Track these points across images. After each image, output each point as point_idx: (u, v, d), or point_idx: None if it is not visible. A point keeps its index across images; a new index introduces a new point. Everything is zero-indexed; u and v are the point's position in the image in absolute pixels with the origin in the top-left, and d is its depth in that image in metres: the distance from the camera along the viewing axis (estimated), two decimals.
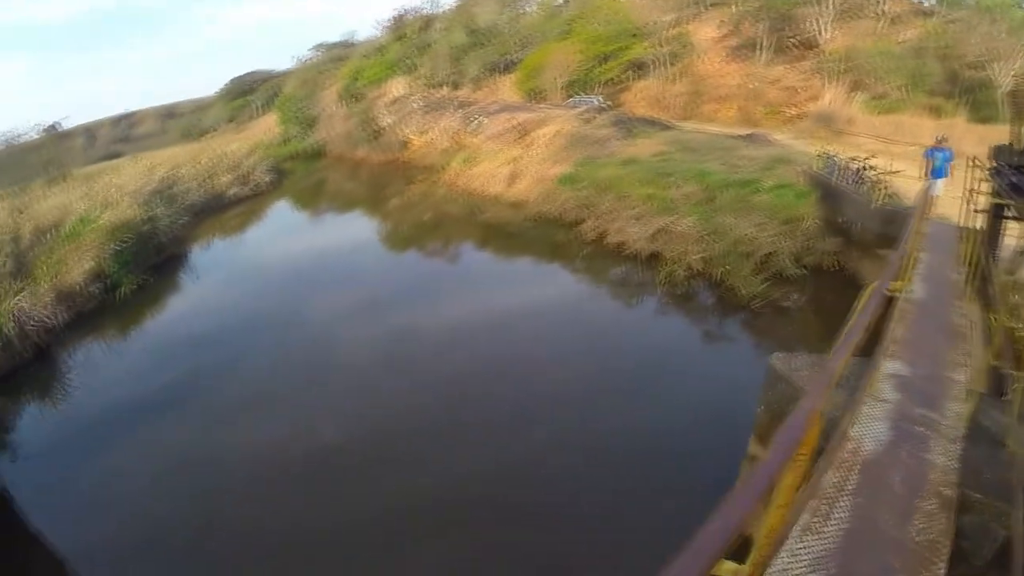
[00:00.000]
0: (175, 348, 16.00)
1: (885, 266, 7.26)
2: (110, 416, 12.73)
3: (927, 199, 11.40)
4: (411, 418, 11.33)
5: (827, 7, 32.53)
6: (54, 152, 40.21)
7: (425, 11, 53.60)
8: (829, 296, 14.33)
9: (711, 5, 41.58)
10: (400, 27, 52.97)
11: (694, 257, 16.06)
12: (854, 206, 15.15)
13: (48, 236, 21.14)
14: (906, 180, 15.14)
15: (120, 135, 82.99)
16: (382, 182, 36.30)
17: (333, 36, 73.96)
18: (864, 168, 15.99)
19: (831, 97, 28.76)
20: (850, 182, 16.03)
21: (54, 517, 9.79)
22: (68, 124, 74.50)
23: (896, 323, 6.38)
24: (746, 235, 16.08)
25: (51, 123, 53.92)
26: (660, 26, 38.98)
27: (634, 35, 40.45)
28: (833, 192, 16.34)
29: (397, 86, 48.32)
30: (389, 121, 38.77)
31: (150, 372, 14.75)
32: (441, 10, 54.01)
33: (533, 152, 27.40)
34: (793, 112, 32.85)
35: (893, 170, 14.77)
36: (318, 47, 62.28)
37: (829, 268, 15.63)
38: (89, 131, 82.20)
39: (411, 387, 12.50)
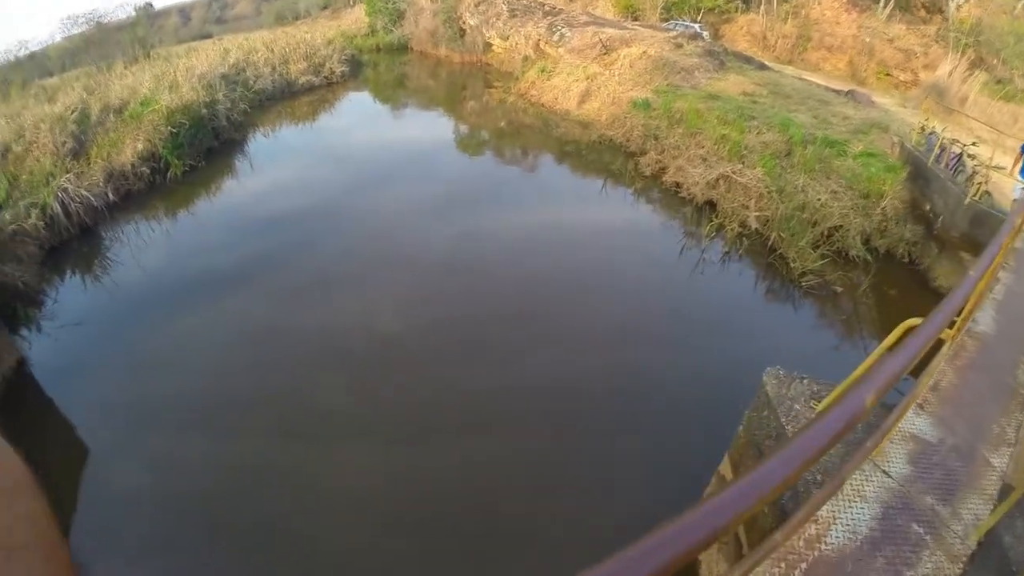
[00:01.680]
0: (220, 230, 15.74)
1: (954, 288, 5.47)
2: (144, 291, 12.66)
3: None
4: (465, 316, 11.37)
5: None
6: (144, 31, 39.90)
7: None
8: (891, 290, 12.58)
9: None
10: None
11: (752, 214, 14.21)
12: (944, 195, 13.15)
13: (111, 117, 20.73)
14: (1010, 179, 13.13)
15: (214, 16, 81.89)
16: (460, 83, 34.62)
17: None
18: (964, 155, 13.84)
19: (949, 70, 25.50)
20: (946, 167, 14.05)
21: (74, 386, 9.68)
22: (162, 3, 74.01)
23: (942, 363, 4.75)
24: (816, 200, 14.31)
25: (144, 2, 53.66)
26: None
27: None
28: (925, 174, 14.27)
29: None
30: (473, 22, 36.55)
31: (191, 252, 14.55)
32: None
33: (614, 71, 25.22)
34: (905, 77, 29.64)
35: (996, 165, 12.71)
36: None
37: (900, 258, 13.66)
38: (183, 11, 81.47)
39: (466, 288, 12.32)
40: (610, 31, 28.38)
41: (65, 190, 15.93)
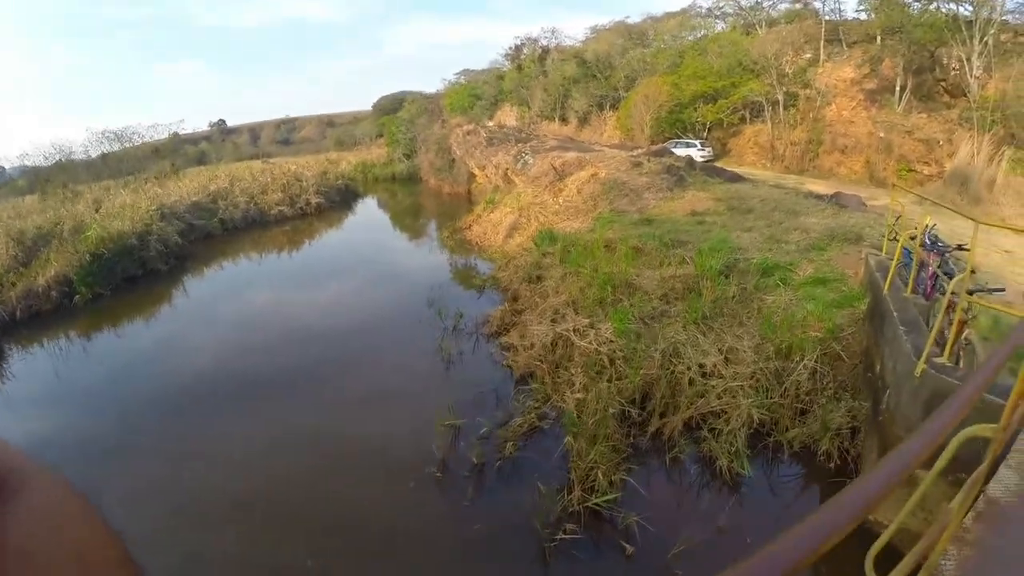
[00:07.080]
0: (85, 359, 15.02)
1: None
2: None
3: None
4: None
5: (976, 43, 22.92)
6: (211, 148, 43.37)
7: (543, 42, 48.39)
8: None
9: (852, 44, 32.32)
10: (519, 57, 48.39)
11: (574, 395, 8.69)
12: (895, 352, 7.14)
13: (60, 237, 21.02)
14: None
15: (281, 137, 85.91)
16: (446, 213, 30.82)
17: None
18: (944, 267, 7.19)
19: (969, 151, 19.49)
20: (919, 293, 7.96)
21: None
22: (232, 122, 79.15)
23: None
24: (691, 368, 8.76)
25: (218, 119, 57.34)
26: (781, 61, 30.72)
27: (752, 71, 32.37)
28: (881, 309, 8.48)
29: (507, 116, 44.19)
30: (459, 152, 33.65)
31: (61, 372, 14.07)
32: (562, 42, 48.64)
33: (560, 199, 20.82)
34: (929, 171, 23.74)
35: (988, 287, 6.63)
36: (463, 72, 59.10)
37: (821, 460, 7.59)
38: (254, 131, 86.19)
39: None
40: (569, 155, 24.29)
41: None
